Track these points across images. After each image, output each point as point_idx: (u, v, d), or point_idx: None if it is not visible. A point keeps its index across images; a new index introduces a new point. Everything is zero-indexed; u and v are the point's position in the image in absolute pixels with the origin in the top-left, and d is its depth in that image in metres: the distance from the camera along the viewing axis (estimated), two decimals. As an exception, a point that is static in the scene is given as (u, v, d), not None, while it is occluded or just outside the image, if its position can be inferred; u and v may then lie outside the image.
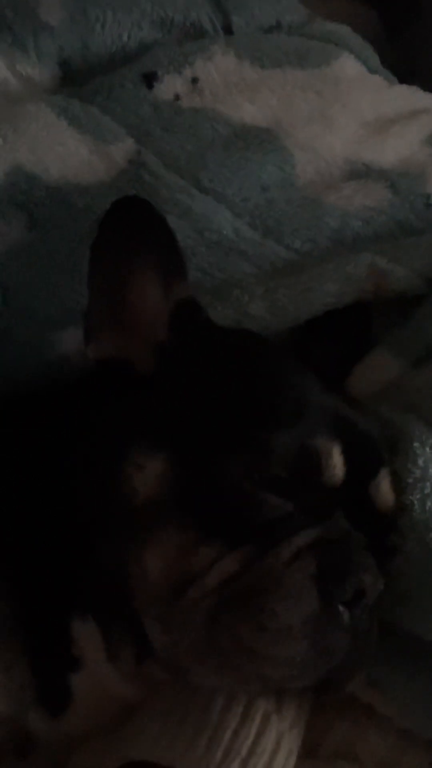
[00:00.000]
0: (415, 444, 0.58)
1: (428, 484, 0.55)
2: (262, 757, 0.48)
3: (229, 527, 0.49)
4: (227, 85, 0.74)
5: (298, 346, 0.70)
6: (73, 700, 0.53)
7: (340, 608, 0.47)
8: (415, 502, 0.55)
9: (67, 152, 0.68)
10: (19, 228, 0.67)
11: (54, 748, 0.54)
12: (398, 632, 0.54)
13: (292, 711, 0.52)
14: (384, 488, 0.54)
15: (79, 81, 0.76)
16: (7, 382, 0.65)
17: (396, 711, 0.55)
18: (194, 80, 0.74)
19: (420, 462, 0.57)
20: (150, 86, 0.73)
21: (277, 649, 0.46)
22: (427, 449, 0.57)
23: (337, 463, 0.51)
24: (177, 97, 0.73)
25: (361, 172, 0.75)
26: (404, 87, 0.85)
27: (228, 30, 0.82)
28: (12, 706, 0.52)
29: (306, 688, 0.51)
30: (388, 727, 0.55)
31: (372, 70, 0.86)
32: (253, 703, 0.51)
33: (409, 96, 0.82)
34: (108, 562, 0.52)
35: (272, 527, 0.49)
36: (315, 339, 0.70)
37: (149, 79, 0.73)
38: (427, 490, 0.55)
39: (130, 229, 0.59)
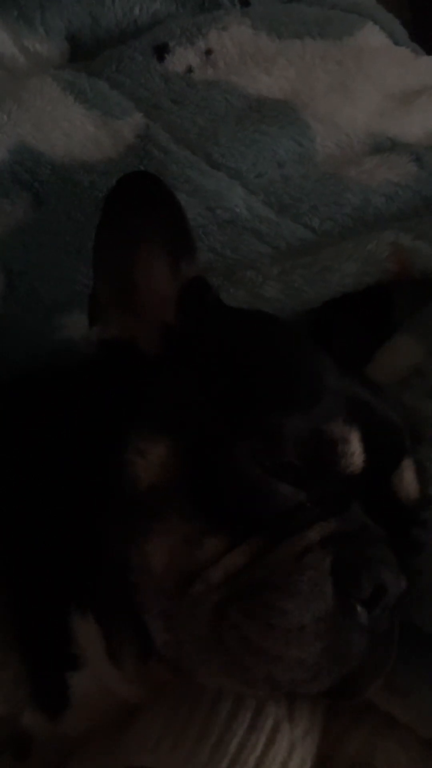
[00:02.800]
0: (440, 433, 0.54)
1: (454, 475, 0.51)
2: None
3: (236, 518, 0.46)
4: (242, 56, 0.71)
5: (315, 331, 0.66)
6: (72, 701, 0.51)
7: (358, 607, 0.43)
8: (440, 494, 0.50)
9: (73, 128, 0.65)
10: (23, 207, 0.65)
11: (52, 750, 0.51)
12: (420, 634, 0.50)
13: (306, 718, 0.49)
14: (407, 479, 0.50)
15: (88, 57, 0.73)
16: (12, 366, 0.63)
17: (418, 720, 0.51)
18: (208, 52, 0.71)
19: (445, 452, 0.53)
20: (161, 58, 0.70)
21: (287, 650, 0.42)
22: (454, 439, 0.52)
23: (355, 450, 0.47)
24: (189, 70, 0.70)
25: (384, 146, 0.70)
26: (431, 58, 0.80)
27: (245, 3, 0.79)
28: (5, 705, 0.49)
29: (320, 693, 0.47)
30: (410, 738, 0.51)
31: (397, 42, 0.81)
32: (262, 708, 0.47)
33: (437, 67, 0.78)
34: (109, 554, 0.49)
35: (284, 518, 0.45)
36: (334, 323, 0.66)
37: (160, 51, 0.70)
38: (453, 483, 0.51)
39: (137, 205, 0.56)
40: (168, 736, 0.46)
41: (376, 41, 0.78)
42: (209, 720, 0.46)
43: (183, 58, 0.70)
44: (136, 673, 0.49)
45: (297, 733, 0.47)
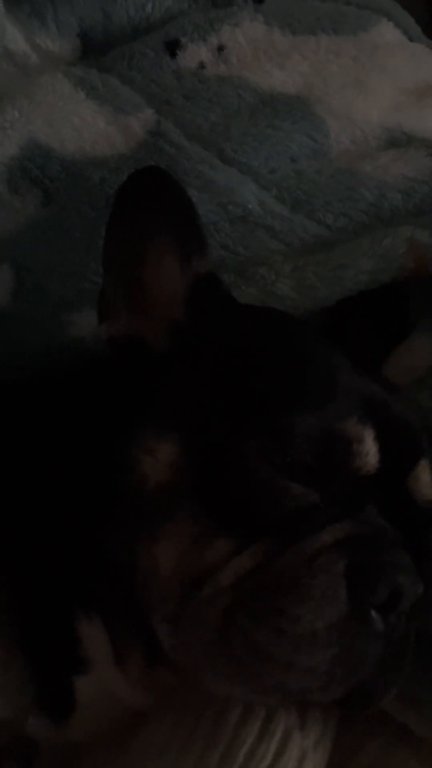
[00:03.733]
0: (458, 434, 0.52)
1: (473, 478, 0.49)
2: None
3: (246, 518, 0.44)
4: (255, 52, 0.70)
5: (330, 329, 0.65)
6: (78, 706, 0.49)
7: (372, 613, 0.41)
8: (459, 497, 0.49)
9: (84, 124, 0.65)
10: (33, 204, 0.64)
11: (57, 756, 0.49)
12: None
13: (318, 727, 0.47)
14: (424, 480, 0.48)
15: (100, 54, 0.73)
16: (21, 362, 0.62)
17: (433, 732, 0.49)
18: (220, 48, 0.70)
19: (464, 454, 0.51)
20: (173, 55, 0.69)
21: (298, 657, 0.41)
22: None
23: (369, 450, 0.45)
24: (201, 66, 0.69)
25: (400, 141, 0.69)
26: (448, 53, 0.79)
27: (259, 0, 0.78)
28: (9, 709, 0.48)
29: (333, 702, 0.45)
30: (426, 751, 0.49)
31: (411, 38, 0.80)
32: (273, 716, 0.46)
33: (454, 62, 0.76)
34: (116, 556, 0.48)
35: (295, 519, 0.44)
36: (348, 322, 0.65)
37: (172, 47, 0.69)
38: (471, 485, 0.49)
39: (148, 200, 0.55)
40: (175, 743, 0.45)
41: (390, 37, 0.77)
42: (218, 727, 0.45)
43: (195, 54, 0.69)
44: (143, 679, 0.48)
45: (308, 743, 0.46)
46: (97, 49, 0.73)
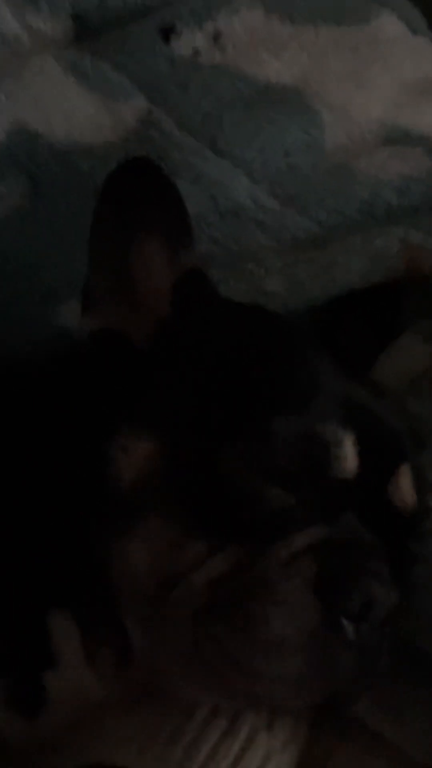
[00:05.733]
0: (444, 441, 0.51)
1: (456, 486, 0.48)
2: None
3: (221, 521, 0.43)
4: (253, 41, 0.69)
5: (319, 328, 0.64)
6: (48, 702, 0.49)
7: (344, 622, 0.41)
8: (440, 506, 0.48)
9: (73, 110, 0.63)
10: (19, 192, 0.63)
11: (27, 751, 0.49)
12: (416, 652, 0.48)
13: (286, 728, 0.47)
14: (403, 486, 0.48)
15: (94, 37, 0.71)
16: (6, 352, 0.61)
17: (409, 741, 0.48)
18: (216, 35, 0.68)
19: (448, 461, 0.50)
20: (167, 40, 0.67)
21: (268, 665, 0.40)
22: (457, 447, 0.50)
23: (348, 455, 0.44)
24: (196, 53, 0.67)
25: (398, 138, 0.68)
26: (451, 49, 0.77)
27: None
28: (-23, 706, 0.48)
29: (304, 707, 0.45)
30: (400, 758, 0.48)
31: (415, 31, 0.78)
32: (240, 715, 0.45)
33: (456, 58, 0.75)
34: (90, 552, 0.47)
35: (270, 524, 0.43)
36: (338, 321, 0.64)
37: (166, 33, 0.67)
38: (454, 493, 0.48)
39: (136, 192, 0.54)
40: (139, 736, 0.45)
41: (393, 30, 0.75)
42: (184, 724, 0.45)
43: (190, 40, 0.68)
44: (114, 677, 0.47)
45: (275, 743, 0.46)
46: (91, 32, 0.71)
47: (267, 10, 0.71)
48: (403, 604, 0.45)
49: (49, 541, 0.48)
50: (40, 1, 0.69)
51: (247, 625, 0.41)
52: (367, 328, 0.64)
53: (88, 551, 0.47)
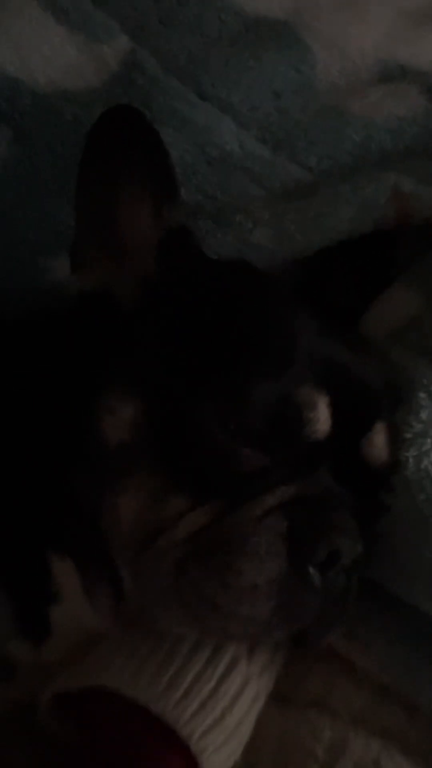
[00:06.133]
0: (421, 395, 0.53)
1: (429, 440, 0.50)
2: (222, 701, 0.48)
3: (200, 479, 0.46)
4: (241, -32, 0.64)
5: (309, 278, 0.64)
6: (52, 632, 0.54)
7: (311, 570, 0.44)
8: (411, 459, 0.50)
9: (54, 53, 0.61)
10: (4, 141, 0.62)
11: (34, 674, 0.55)
12: (381, 591, 0.52)
13: (264, 656, 0.51)
14: (377, 443, 0.50)
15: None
16: (1, 307, 0.63)
17: (375, 666, 0.53)
18: (203, -38, 0.64)
19: (423, 415, 0.52)
20: (150, -30, 0.63)
21: (240, 607, 0.44)
22: (434, 401, 0.51)
23: (321, 417, 0.46)
24: (182, -15, 0.63)
25: (394, 74, 0.64)
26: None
27: None
28: (-8, 636, 0.53)
29: (274, 642, 0.49)
30: (366, 682, 0.54)
31: None
32: (221, 646, 0.50)
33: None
34: (83, 503, 0.51)
35: (246, 482, 0.46)
36: (327, 272, 0.64)
37: (150, -38, 0.63)
38: (425, 447, 0.50)
39: (119, 145, 0.53)
40: (131, 663, 0.49)
41: None
42: (171, 653, 0.49)
43: (175, -30, 0.63)
44: (109, 610, 0.51)
45: (253, 669, 0.50)
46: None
47: None
48: (371, 550, 0.49)
49: (47, 493, 0.52)
50: None
51: (223, 573, 0.44)
52: (357, 278, 0.64)
53: (81, 503, 0.50)
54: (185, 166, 0.60)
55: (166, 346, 0.51)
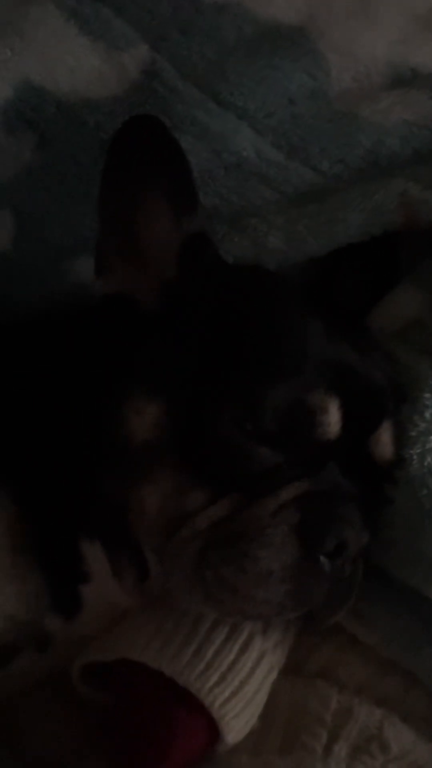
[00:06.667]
0: (426, 395, 0.56)
1: (432, 438, 0.54)
2: (240, 673, 0.53)
3: (219, 475, 0.51)
4: (256, -24, 0.65)
5: (318, 279, 0.67)
6: (83, 608, 0.59)
7: (321, 558, 0.49)
8: (415, 456, 0.54)
9: (78, 62, 0.63)
10: (29, 148, 0.64)
11: (68, 646, 0.60)
12: (385, 575, 0.56)
13: (277, 633, 0.56)
14: (383, 441, 0.54)
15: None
16: (23, 308, 0.66)
17: (378, 641, 0.58)
18: (219, -30, 0.65)
19: (427, 414, 0.56)
20: (168, -21, 0.64)
21: (256, 591, 0.49)
22: (438, 401, 0.55)
23: (332, 420, 0.50)
24: (199, -8, 0.65)
25: (405, 79, 0.66)
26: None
27: None
28: (29, 612, 0.58)
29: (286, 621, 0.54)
30: (370, 655, 0.58)
31: None
32: (239, 624, 0.55)
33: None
34: (111, 495, 0.55)
35: (261, 478, 0.50)
36: (337, 271, 0.67)
37: (167, -29, 0.64)
38: (429, 445, 0.54)
39: (141, 153, 0.55)
40: (158, 637, 0.54)
41: None
42: (193, 630, 0.54)
43: (192, -22, 0.65)
44: (135, 589, 0.56)
45: (268, 644, 0.55)
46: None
47: None
48: (376, 538, 0.53)
49: (77, 485, 0.56)
50: None
51: (241, 560, 0.49)
52: (364, 279, 0.67)
53: (108, 495, 0.55)
54: (203, 171, 0.62)
55: (186, 350, 0.54)
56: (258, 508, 0.50)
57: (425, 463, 0.53)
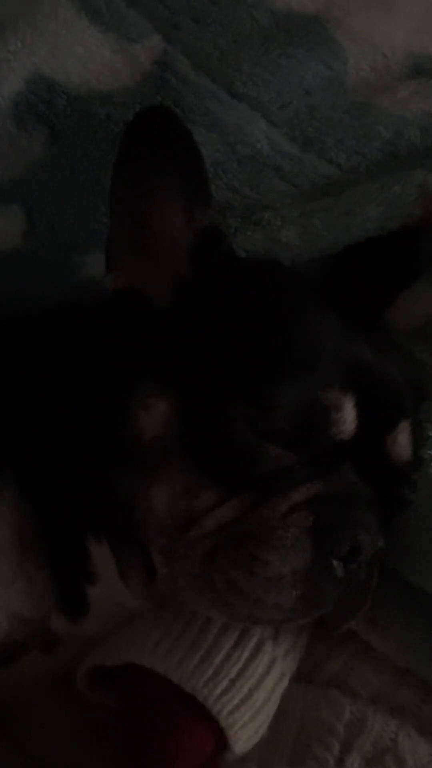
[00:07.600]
0: (445, 394, 0.54)
1: (451, 439, 0.52)
2: (250, 680, 0.51)
3: (230, 474, 0.49)
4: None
5: (334, 274, 0.65)
6: (90, 608, 0.58)
7: (334, 562, 0.47)
8: (433, 457, 0.52)
9: (89, 54, 0.62)
10: (40, 142, 0.63)
11: (73, 646, 0.59)
12: (400, 580, 0.54)
13: (289, 639, 0.55)
14: (401, 441, 0.52)
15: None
16: (34, 302, 0.65)
17: (393, 650, 0.56)
18: (234, -42, 0.64)
19: (446, 414, 0.53)
20: (182, -32, 0.63)
21: (266, 595, 0.48)
22: (457, 400, 0.53)
23: (347, 418, 0.48)
24: (213, -19, 0.64)
25: (424, 68, 0.64)
26: None
27: None
28: (35, 611, 0.57)
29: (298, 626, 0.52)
30: (385, 664, 0.56)
31: None
32: (249, 629, 0.53)
33: None
34: (118, 494, 0.54)
35: (273, 478, 0.49)
36: (352, 269, 0.65)
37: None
38: (448, 446, 0.52)
39: (153, 146, 0.54)
40: (164, 641, 0.53)
41: None
42: (201, 634, 0.53)
43: (206, -33, 0.63)
44: (142, 591, 0.55)
45: (278, 651, 0.53)
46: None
47: None
48: (392, 542, 0.51)
49: (85, 484, 0.55)
50: None
51: (251, 563, 0.47)
52: (382, 275, 0.65)
53: (116, 493, 0.53)
54: (216, 164, 0.61)
55: (197, 346, 0.53)
56: (268, 509, 0.48)
57: (444, 465, 0.51)
